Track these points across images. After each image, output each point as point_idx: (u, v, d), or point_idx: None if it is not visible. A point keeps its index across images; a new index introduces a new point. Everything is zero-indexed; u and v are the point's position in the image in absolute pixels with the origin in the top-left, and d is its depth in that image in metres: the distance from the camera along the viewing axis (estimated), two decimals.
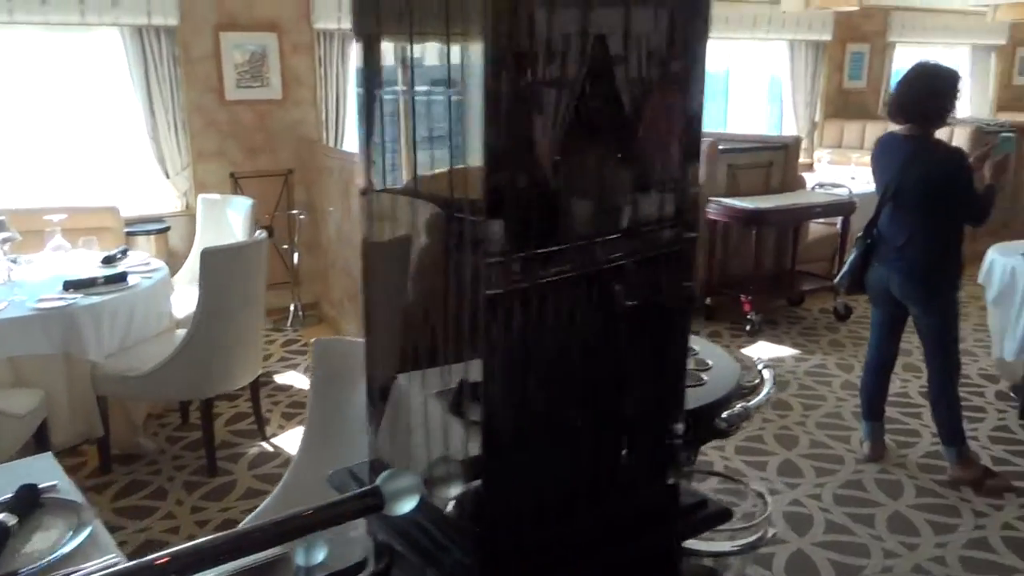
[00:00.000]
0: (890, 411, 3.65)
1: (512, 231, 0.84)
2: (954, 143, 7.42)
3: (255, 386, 3.66)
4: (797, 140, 6.25)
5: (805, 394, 4.20)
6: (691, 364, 1.93)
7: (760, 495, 2.50)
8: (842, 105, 8.07)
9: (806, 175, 6.26)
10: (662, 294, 1.01)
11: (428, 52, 0.95)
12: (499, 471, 0.89)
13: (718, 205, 5.30)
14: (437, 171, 0.95)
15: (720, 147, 5.47)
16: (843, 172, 6.91)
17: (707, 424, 1.72)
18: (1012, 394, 4.09)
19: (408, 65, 0.97)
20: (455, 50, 0.87)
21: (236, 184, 5.21)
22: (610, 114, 0.93)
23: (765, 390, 1.96)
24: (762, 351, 4.82)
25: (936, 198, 3.05)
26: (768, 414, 3.88)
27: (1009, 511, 3.05)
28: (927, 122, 3.08)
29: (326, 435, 1.91)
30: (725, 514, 1.09)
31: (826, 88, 7.91)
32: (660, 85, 0.97)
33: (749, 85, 8.18)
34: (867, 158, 5.93)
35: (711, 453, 3.47)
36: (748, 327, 5.12)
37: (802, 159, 6.69)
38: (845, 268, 3.37)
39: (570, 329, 0.94)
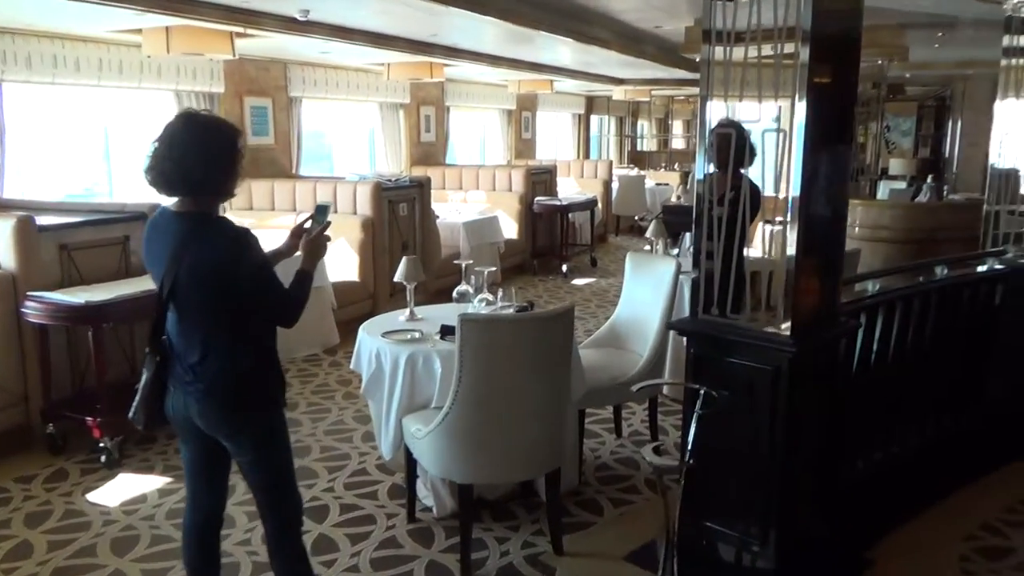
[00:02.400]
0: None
1: None
2: (357, 200, 6.89)
3: None
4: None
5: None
6: None
7: None
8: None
9: None
10: None
11: None
12: None
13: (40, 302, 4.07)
14: None
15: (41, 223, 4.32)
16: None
17: None
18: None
19: None
20: None
21: None
22: None
23: None
24: (121, 490, 3.88)
25: (221, 295, 2.34)
26: None
27: None
28: (202, 194, 2.35)
29: None
30: None
31: None
32: None
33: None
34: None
35: None
36: (104, 458, 3.98)
37: None
38: (137, 396, 2.48)
39: None
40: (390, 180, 7.15)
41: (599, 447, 4.31)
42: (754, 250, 3.07)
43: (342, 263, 6.67)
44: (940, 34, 8.34)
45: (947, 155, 12.18)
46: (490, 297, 3.81)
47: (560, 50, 8.61)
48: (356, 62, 8.20)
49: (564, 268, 9.30)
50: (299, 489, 2.58)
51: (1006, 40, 4.09)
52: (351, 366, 3.67)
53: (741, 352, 2.77)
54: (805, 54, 2.60)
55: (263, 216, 7.02)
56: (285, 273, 2.42)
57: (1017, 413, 4.11)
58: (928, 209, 5.79)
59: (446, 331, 3.39)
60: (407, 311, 3.85)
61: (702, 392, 2.71)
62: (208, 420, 2.41)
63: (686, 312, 4.62)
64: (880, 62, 7.98)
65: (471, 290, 3.90)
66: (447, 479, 3.31)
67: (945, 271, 3.91)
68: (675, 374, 4.54)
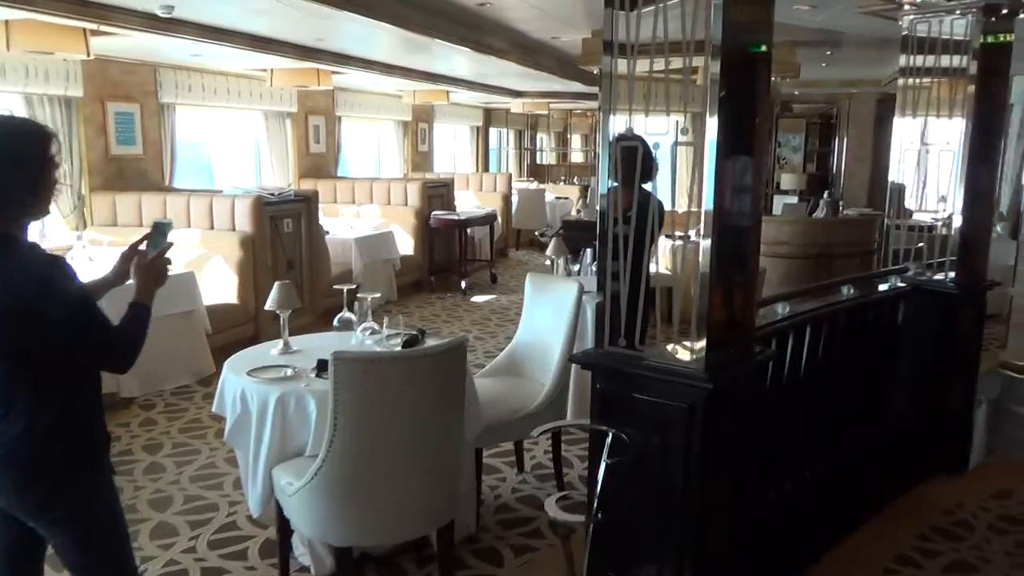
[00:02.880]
0: None
1: None
2: (236, 216, 6.45)
3: None
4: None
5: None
6: None
7: None
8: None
9: None
10: None
11: None
12: None
13: None
14: None
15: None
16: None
17: None
18: None
19: None
20: None
21: None
22: None
23: None
24: None
25: (23, 339, 1.90)
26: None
27: None
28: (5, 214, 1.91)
29: None
30: None
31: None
32: None
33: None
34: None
35: None
36: None
37: None
38: None
39: None
40: (272, 194, 6.63)
41: (499, 484, 3.97)
42: (659, 268, 2.83)
43: (219, 284, 6.11)
44: (828, 52, 8.51)
45: (834, 170, 12.57)
46: (375, 326, 3.42)
47: (456, 60, 8.31)
48: (235, 67, 7.64)
49: (463, 285, 8.95)
50: (153, 552, 2.13)
51: (903, 60, 4.03)
52: (214, 408, 3.18)
53: (652, 388, 2.49)
54: (715, 67, 2.38)
55: (128, 233, 6.36)
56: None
57: (919, 429, 4.04)
58: (826, 224, 5.80)
59: (323, 367, 2.98)
60: (280, 343, 3.41)
61: (610, 435, 2.41)
62: (8, 494, 1.93)
63: (590, 336, 4.43)
64: (774, 79, 8.04)
65: (354, 318, 3.50)
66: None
67: (852, 291, 3.78)
68: (579, 403, 4.26)
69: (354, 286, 3.59)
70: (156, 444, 4.45)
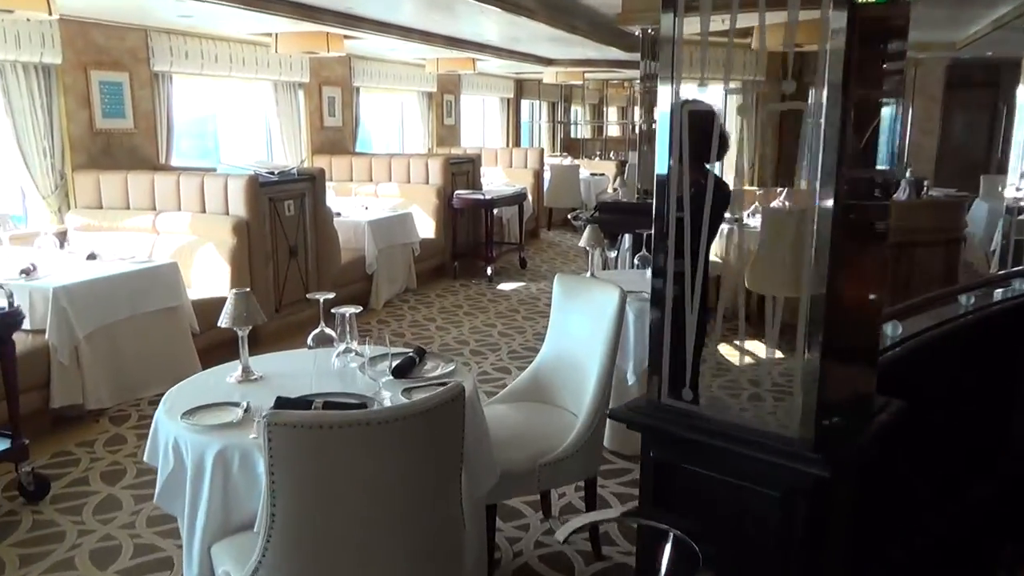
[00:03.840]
0: None
1: None
2: (229, 197, 5.77)
3: None
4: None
5: None
6: None
7: None
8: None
9: None
10: None
11: None
12: None
13: None
14: None
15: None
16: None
17: None
18: None
19: None
20: None
21: None
22: None
23: None
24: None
25: None
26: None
27: None
28: None
29: None
30: None
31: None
32: None
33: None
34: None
35: None
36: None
37: None
38: None
39: None
40: (272, 173, 5.91)
41: (519, 535, 3.22)
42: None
43: (210, 274, 5.42)
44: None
45: (897, 144, 11.50)
46: (356, 347, 2.67)
47: (482, 22, 7.48)
48: (234, 31, 6.89)
49: (489, 271, 8.19)
50: None
51: None
52: (145, 457, 2.47)
53: (729, 463, 1.72)
54: (840, 20, 1.59)
55: (114, 216, 5.71)
56: None
57: None
58: (909, 208, 4.93)
59: (283, 406, 2.25)
60: (239, 367, 2.69)
61: (671, 536, 1.65)
62: None
63: (631, 353, 3.65)
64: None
65: (334, 334, 2.75)
66: None
67: (970, 300, 2.94)
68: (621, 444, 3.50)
69: (331, 295, 2.83)
70: (118, 471, 3.78)
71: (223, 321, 2.60)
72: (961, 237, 5.45)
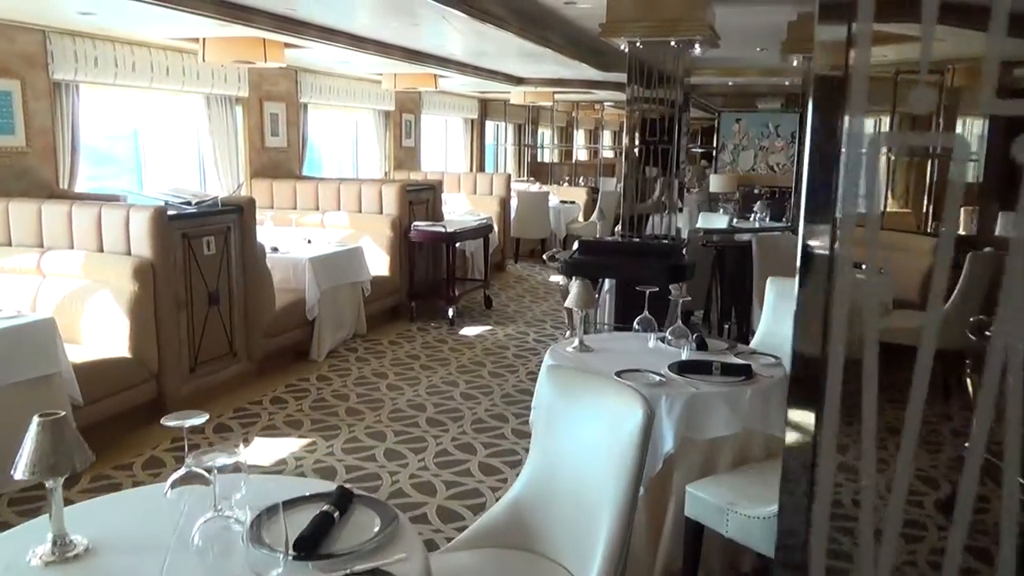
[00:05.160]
0: None
1: None
2: (131, 234, 4.73)
3: None
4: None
5: None
6: None
7: None
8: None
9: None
10: None
11: None
12: None
13: None
14: None
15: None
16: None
17: None
18: None
19: None
20: None
21: None
22: None
23: None
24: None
25: None
26: None
27: None
28: None
29: None
30: None
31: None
32: None
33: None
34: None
35: None
36: None
37: None
38: None
39: None
40: (188, 203, 4.90)
41: None
42: None
43: (105, 329, 4.39)
44: None
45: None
46: (236, 510, 1.68)
47: (445, 32, 6.59)
48: (150, 34, 5.90)
49: (450, 312, 7.23)
50: None
51: None
52: None
53: None
54: None
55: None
56: None
57: None
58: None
59: None
60: (47, 537, 1.69)
61: None
62: None
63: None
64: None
65: (211, 472, 1.77)
66: None
67: None
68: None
69: (203, 418, 1.84)
70: None
71: (18, 471, 1.61)
72: None
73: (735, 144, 11.49)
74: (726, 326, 6.31)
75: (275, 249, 6.11)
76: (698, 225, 7.57)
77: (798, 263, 1.04)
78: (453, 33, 6.64)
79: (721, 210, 8.68)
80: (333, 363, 5.94)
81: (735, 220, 8.01)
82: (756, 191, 10.92)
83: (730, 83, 11.09)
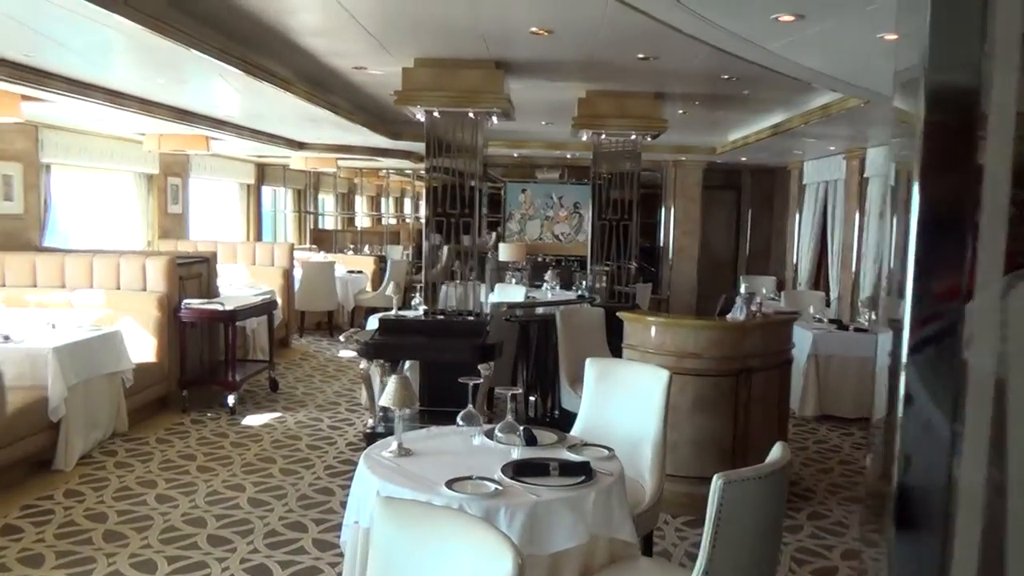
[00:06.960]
0: None
1: None
2: None
3: None
4: None
5: None
6: None
7: None
8: None
9: None
10: None
11: None
12: None
13: None
14: None
15: None
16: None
17: None
18: None
19: None
20: None
21: None
22: None
23: None
24: None
25: None
26: None
27: None
28: None
29: None
30: None
31: None
32: None
33: None
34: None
35: None
36: None
37: None
38: None
39: None
40: None
41: None
42: None
43: None
44: (681, 112, 7.27)
45: (661, 244, 11.56)
46: None
47: (219, 90, 5.99)
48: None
49: (231, 400, 6.43)
50: None
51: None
52: None
53: None
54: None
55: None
56: None
57: None
58: (747, 329, 4.26)
59: None
60: None
61: None
62: None
63: None
64: (634, 136, 6.58)
65: None
66: None
67: None
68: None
69: None
70: None
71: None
72: (789, 359, 4.96)
73: (522, 213, 11.69)
74: (531, 398, 6.15)
75: (7, 338, 5.06)
76: (494, 296, 7.43)
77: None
78: (230, 92, 6.06)
79: (512, 280, 8.63)
80: (86, 472, 4.96)
81: (528, 290, 7.99)
82: (540, 259, 11.15)
83: (515, 154, 11.33)
